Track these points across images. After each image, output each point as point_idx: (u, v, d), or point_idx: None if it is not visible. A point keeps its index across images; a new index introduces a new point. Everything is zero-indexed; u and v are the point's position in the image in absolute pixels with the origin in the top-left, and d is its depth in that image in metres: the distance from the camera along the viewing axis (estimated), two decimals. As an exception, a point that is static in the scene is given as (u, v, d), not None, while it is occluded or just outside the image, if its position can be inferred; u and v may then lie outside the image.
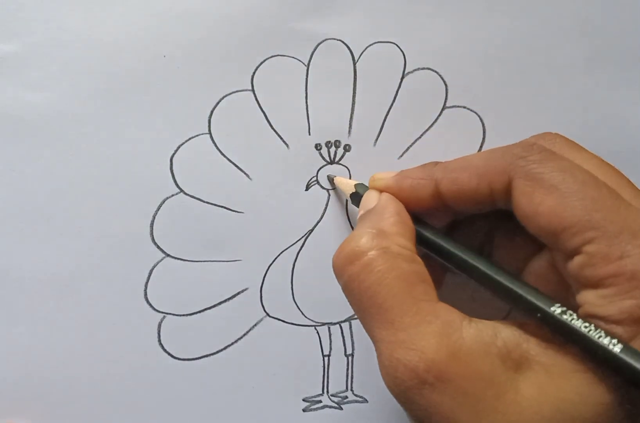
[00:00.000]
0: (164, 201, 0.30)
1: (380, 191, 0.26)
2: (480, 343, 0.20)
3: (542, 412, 0.19)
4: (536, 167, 0.22)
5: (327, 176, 0.30)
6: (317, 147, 0.31)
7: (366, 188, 0.28)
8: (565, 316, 0.20)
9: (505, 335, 0.21)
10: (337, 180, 0.30)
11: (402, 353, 0.20)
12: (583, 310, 0.21)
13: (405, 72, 0.31)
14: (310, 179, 0.31)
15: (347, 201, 0.31)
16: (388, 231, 0.23)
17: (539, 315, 0.21)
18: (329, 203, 0.31)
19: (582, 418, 0.19)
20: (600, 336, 0.20)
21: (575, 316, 0.20)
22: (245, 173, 0.30)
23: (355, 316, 0.31)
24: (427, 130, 0.31)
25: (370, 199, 0.26)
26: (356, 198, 0.28)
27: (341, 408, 0.31)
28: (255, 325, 0.30)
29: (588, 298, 0.21)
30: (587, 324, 0.20)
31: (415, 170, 0.26)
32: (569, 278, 0.22)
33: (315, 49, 0.30)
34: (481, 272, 0.23)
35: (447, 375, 0.19)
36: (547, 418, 0.19)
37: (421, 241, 0.25)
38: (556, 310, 0.21)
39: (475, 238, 0.28)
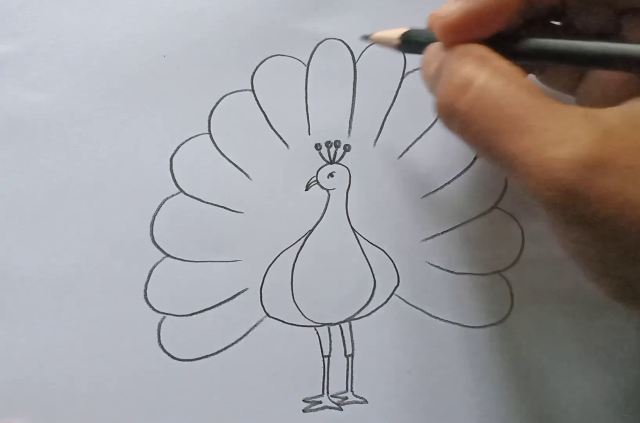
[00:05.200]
0: (164, 201, 0.30)
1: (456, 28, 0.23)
2: (625, 118, 0.20)
3: None
4: None
5: (361, 36, 0.28)
6: (317, 147, 0.31)
7: (420, 32, 0.25)
8: None
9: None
10: (374, 36, 0.27)
11: (554, 150, 0.19)
12: None
13: (405, 72, 0.31)
14: (310, 179, 0.31)
15: (346, 200, 0.31)
16: (488, 56, 0.22)
17: None
18: (329, 203, 0.31)
19: None
20: None
21: None
22: (245, 173, 0.30)
23: (355, 317, 0.31)
24: (427, 130, 0.31)
25: (438, 51, 0.23)
26: (413, 38, 0.25)
27: (341, 409, 0.31)
28: (255, 325, 0.30)
29: None
30: None
31: None
32: None
33: (315, 49, 0.30)
34: (593, 47, 0.22)
35: (608, 155, 0.19)
36: None
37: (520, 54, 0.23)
38: None
39: None
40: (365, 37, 0.27)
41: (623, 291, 0.22)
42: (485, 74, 0.21)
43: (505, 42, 0.23)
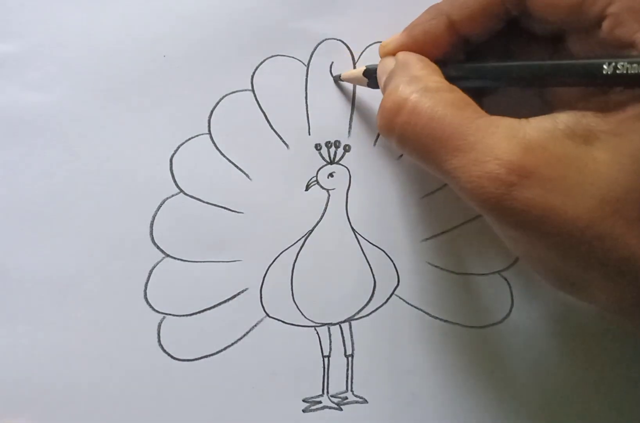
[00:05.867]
0: (164, 201, 0.30)
1: (394, 54, 0.27)
2: (545, 132, 0.21)
3: (624, 167, 0.21)
4: None
5: (334, 76, 0.31)
6: (317, 147, 0.31)
7: (376, 64, 0.28)
8: (627, 64, 0.22)
9: (562, 118, 0.22)
10: (344, 74, 0.30)
11: (479, 168, 0.21)
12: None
13: (405, 72, 0.31)
14: (310, 179, 0.31)
15: (346, 200, 0.31)
16: (419, 75, 0.24)
17: (604, 67, 0.22)
18: (329, 203, 0.31)
19: None
20: None
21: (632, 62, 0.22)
22: (245, 173, 0.30)
23: (355, 317, 0.31)
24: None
25: (387, 62, 0.26)
26: (372, 74, 0.28)
27: (341, 409, 0.31)
28: (255, 325, 0.30)
29: None
30: None
31: (421, 16, 0.26)
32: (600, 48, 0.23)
33: (315, 49, 0.30)
34: (528, 66, 0.24)
35: (528, 169, 0.20)
36: (630, 170, 0.21)
37: (453, 77, 0.25)
38: (618, 61, 0.22)
39: None
40: (338, 77, 0.30)
41: (563, 284, 0.24)
42: (415, 95, 0.23)
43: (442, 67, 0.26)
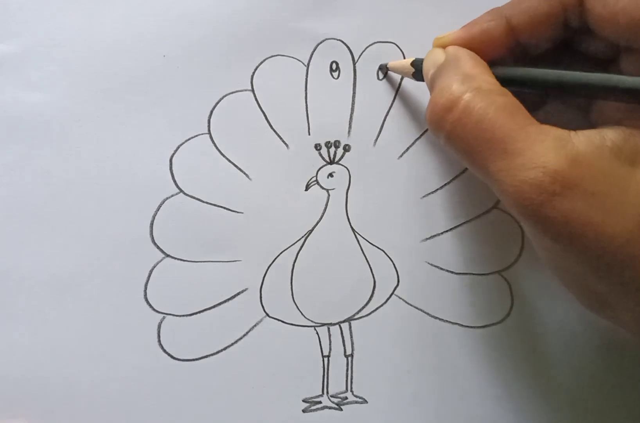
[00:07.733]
0: (163, 201, 0.30)
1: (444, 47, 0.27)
2: (593, 147, 0.21)
3: None
4: None
5: (380, 65, 0.31)
6: (317, 147, 0.31)
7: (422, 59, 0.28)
8: None
9: (611, 135, 0.22)
10: (390, 63, 0.30)
11: (524, 174, 0.21)
12: None
13: (405, 72, 0.31)
14: (310, 179, 0.31)
15: (346, 200, 0.31)
16: (472, 73, 0.24)
17: None
18: (329, 203, 0.31)
19: None
20: None
21: None
22: (245, 173, 0.30)
23: (355, 317, 0.31)
24: (427, 130, 0.31)
25: (437, 55, 0.26)
26: (419, 65, 0.28)
27: (341, 409, 0.31)
28: (255, 325, 0.30)
29: None
30: None
31: (481, 17, 0.26)
32: None
33: (315, 49, 0.30)
34: (580, 75, 0.24)
35: (573, 181, 0.21)
36: None
37: (503, 80, 0.25)
38: None
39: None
40: (384, 67, 0.31)
41: (592, 302, 0.24)
42: (468, 95, 0.23)
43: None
